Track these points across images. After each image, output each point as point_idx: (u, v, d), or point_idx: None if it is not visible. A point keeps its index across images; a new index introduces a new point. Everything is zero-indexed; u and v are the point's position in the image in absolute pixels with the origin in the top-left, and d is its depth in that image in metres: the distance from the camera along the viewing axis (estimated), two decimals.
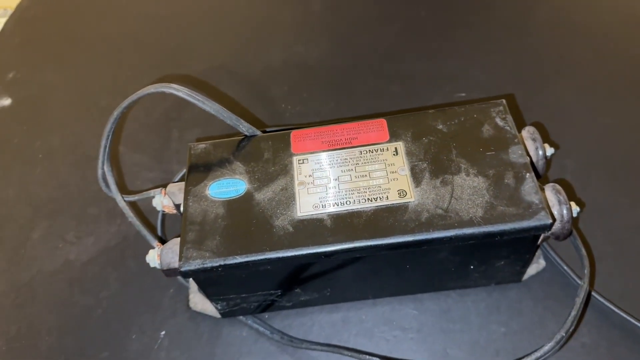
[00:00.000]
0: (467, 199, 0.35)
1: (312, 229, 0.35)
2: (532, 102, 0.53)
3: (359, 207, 0.36)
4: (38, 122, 0.59)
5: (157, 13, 0.69)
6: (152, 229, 0.48)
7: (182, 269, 0.35)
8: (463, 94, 0.55)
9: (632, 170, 0.47)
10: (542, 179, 0.45)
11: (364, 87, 0.57)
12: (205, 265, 0.34)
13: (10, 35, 0.70)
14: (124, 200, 0.40)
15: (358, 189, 0.37)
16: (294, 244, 0.34)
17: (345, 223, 0.35)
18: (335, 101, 0.56)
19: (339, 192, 0.37)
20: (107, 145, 0.39)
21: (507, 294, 0.42)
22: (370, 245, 0.34)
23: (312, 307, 0.43)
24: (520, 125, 0.41)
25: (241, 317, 0.42)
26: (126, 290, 0.46)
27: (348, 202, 0.36)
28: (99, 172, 0.40)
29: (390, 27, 0.62)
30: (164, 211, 0.42)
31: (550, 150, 0.40)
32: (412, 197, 0.36)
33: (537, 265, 0.42)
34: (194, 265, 0.34)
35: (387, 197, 0.36)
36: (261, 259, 0.34)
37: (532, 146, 0.39)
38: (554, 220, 0.34)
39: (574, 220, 0.43)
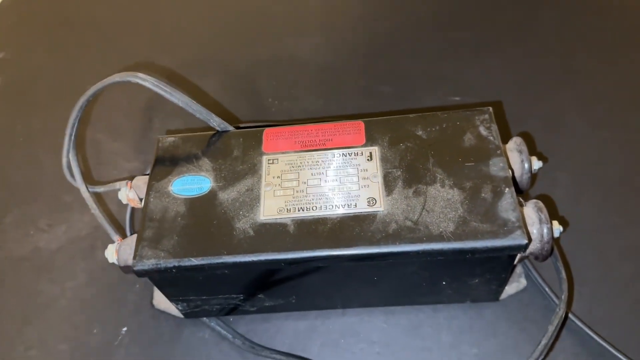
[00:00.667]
0: (439, 212, 0.33)
1: (274, 234, 0.33)
2: (529, 110, 0.51)
3: (326, 213, 0.34)
4: (23, 105, 0.58)
5: (150, 0, 0.68)
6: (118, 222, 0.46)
7: (135, 268, 0.33)
8: (457, 98, 0.52)
9: (627, 189, 0.44)
10: (526, 193, 0.43)
11: (355, 85, 0.55)
12: (159, 266, 0.33)
13: (5, 14, 0.69)
14: (89, 191, 0.39)
15: (326, 194, 0.35)
16: (253, 249, 0.33)
17: (309, 230, 0.33)
18: (324, 99, 0.54)
19: (306, 196, 0.35)
20: (73, 134, 0.38)
21: (482, 312, 0.40)
22: (333, 255, 0.32)
23: (278, 313, 0.41)
24: (510, 136, 0.39)
25: (205, 318, 0.41)
26: (92, 282, 0.44)
27: (315, 208, 0.34)
28: (64, 160, 0.39)
29: (388, 24, 0.60)
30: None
31: (537, 164, 0.37)
32: (381, 206, 0.34)
33: (517, 284, 0.40)
34: (147, 265, 0.33)
35: (356, 205, 0.34)
36: (217, 263, 0.33)
37: (518, 159, 0.37)
38: (530, 240, 0.32)
39: (557, 240, 0.41)
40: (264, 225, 0.34)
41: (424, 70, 0.55)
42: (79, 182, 0.39)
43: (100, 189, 0.40)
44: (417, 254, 0.32)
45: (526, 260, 0.40)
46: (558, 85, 0.52)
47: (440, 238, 0.32)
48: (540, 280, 0.40)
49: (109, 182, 0.41)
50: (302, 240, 0.33)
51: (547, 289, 0.39)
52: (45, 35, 0.65)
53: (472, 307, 0.40)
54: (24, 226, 0.48)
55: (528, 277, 0.40)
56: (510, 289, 0.40)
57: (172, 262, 0.33)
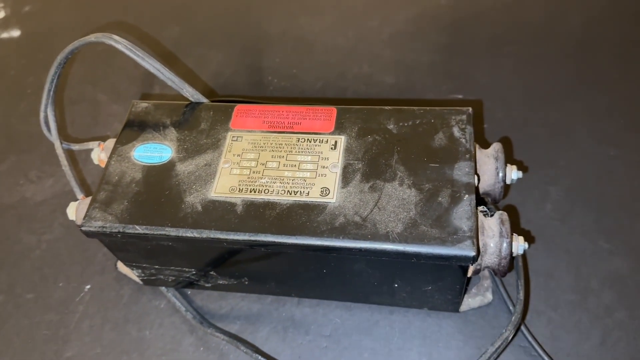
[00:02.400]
0: (390, 211, 0.31)
1: (221, 212, 0.33)
2: (534, 116, 0.47)
3: (276, 198, 0.33)
4: (37, 59, 0.60)
5: None
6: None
7: (83, 228, 0.33)
8: (460, 96, 0.49)
9: (622, 214, 0.41)
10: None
11: (358, 71, 0.53)
12: (104, 229, 0.33)
13: None
14: (62, 147, 0.39)
15: (281, 178, 0.34)
16: (196, 225, 0.32)
17: (256, 213, 0.32)
18: (325, 81, 0.53)
19: (261, 178, 0.34)
20: (51, 90, 0.38)
21: (441, 323, 0.38)
22: (275, 242, 0.31)
23: (235, 293, 0.41)
24: (502, 142, 0.36)
25: (163, 288, 0.41)
26: (66, 237, 0.45)
27: (267, 191, 0.33)
28: (42, 115, 0.39)
29: (404, 13, 0.58)
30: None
31: (516, 174, 0.35)
32: (333, 197, 0.32)
33: (482, 298, 0.38)
34: (94, 226, 0.33)
35: (308, 193, 0.33)
36: (160, 234, 0.32)
37: (492, 166, 0.34)
38: (479, 252, 0.29)
39: (525, 257, 0.38)
40: (213, 202, 0.33)
41: (431, 65, 0.53)
42: (54, 137, 0.39)
43: (74, 146, 0.41)
44: (359, 251, 0.30)
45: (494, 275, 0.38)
46: (570, 93, 0.48)
47: (385, 238, 0.30)
48: (506, 297, 0.37)
49: (85, 141, 0.41)
50: (246, 222, 0.32)
51: (511, 308, 0.37)
52: None
53: (431, 316, 0.38)
54: (16, 175, 0.50)
55: (496, 292, 0.38)
56: (473, 302, 0.38)
57: (118, 227, 0.33)
